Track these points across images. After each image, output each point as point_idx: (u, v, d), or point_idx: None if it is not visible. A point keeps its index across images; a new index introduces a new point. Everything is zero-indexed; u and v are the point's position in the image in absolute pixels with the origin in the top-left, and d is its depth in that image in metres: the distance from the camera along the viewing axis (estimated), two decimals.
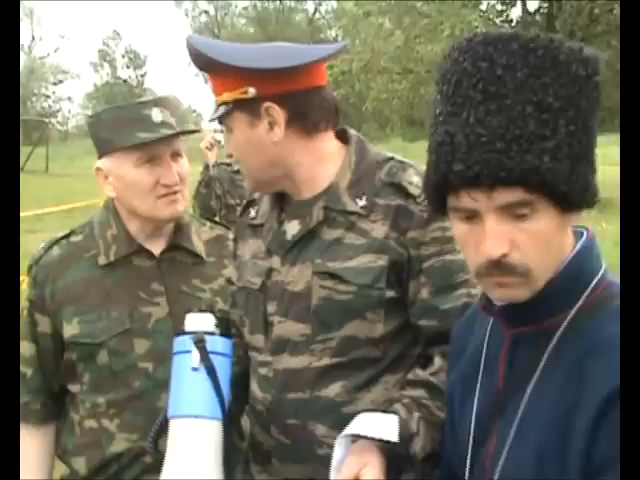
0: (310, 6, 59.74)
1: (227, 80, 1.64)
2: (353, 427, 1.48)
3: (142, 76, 67.31)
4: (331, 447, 1.55)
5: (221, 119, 1.70)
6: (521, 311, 1.15)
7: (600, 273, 1.16)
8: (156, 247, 2.03)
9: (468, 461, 1.24)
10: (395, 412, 1.51)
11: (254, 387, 1.75)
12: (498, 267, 1.08)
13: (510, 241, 1.07)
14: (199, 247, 2.08)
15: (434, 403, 1.55)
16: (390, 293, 1.61)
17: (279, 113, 1.63)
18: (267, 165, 1.68)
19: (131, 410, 1.93)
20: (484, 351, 1.26)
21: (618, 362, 1.03)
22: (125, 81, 66.02)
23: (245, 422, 1.89)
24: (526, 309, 1.14)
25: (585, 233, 1.19)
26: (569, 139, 1.05)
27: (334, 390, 1.63)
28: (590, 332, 1.10)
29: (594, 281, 1.14)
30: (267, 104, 1.62)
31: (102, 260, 1.99)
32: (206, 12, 63.70)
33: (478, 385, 1.25)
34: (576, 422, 1.07)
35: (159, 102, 1.96)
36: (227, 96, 1.64)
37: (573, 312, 1.13)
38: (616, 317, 1.08)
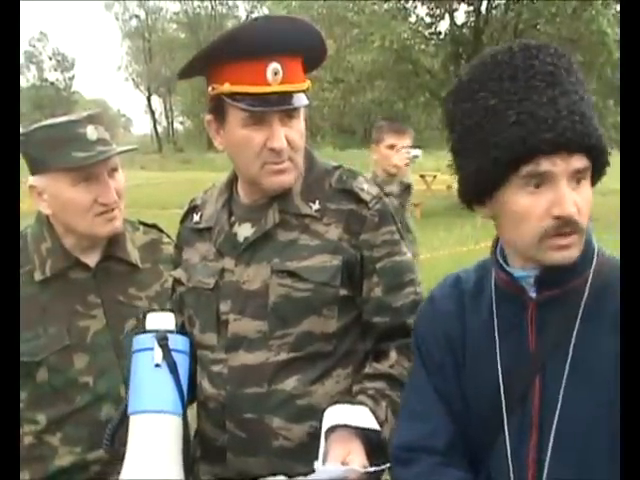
0: (242, 12, 59.65)
1: (301, 69, 1.71)
2: (335, 418, 1.59)
3: (70, 79, 66.03)
4: (286, 438, 1.68)
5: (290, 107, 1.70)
6: (554, 275, 1.33)
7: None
8: (91, 259, 2.01)
9: (505, 417, 1.36)
10: (362, 403, 1.63)
11: (205, 385, 1.77)
12: (569, 225, 1.27)
13: (575, 203, 1.27)
14: (134, 255, 2.07)
15: (395, 393, 1.65)
16: (343, 291, 1.70)
17: None
18: None
19: (73, 423, 1.92)
20: (495, 324, 1.40)
21: None
22: (52, 84, 64.61)
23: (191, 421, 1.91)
24: (558, 273, 1.32)
25: None
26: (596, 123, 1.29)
27: (290, 384, 1.69)
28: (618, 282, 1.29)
29: (596, 245, 1.37)
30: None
31: (38, 276, 1.95)
32: (137, 16, 62.93)
33: (498, 354, 1.39)
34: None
35: (93, 119, 1.93)
36: (308, 84, 1.71)
37: (593, 269, 1.35)
38: None
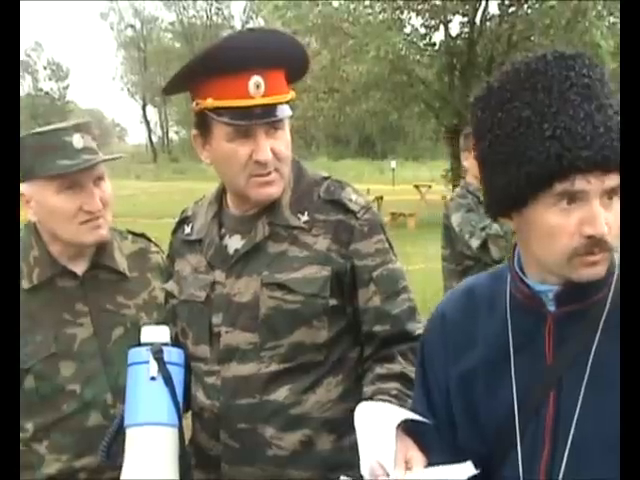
0: (237, 23, 59.81)
1: (284, 81, 1.71)
2: (386, 416, 1.48)
3: (65, 88, 66.08)
4: (279, 447, 1.68)
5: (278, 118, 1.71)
6: (575, 291, 1.30)
7: None
8: (79, 267, 2.00)
9: (517, 430, 1.32)
10: (388, 403, 1.59)
11: (200, 396, 1.79)
12: (598, 245, 1.23)
13: (607, 222, 1.23)
14: (122, 264, 2.06)
15: (410, 393, 1.62)
16: (333, 301, 1.71)
17: None
18: None
19: (60, 431, 1.91)
20: (510, 336, 1.37)
21: None
22: (47, 93, 64.63)
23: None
24: (580, 289, 1.29)
25: None
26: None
27: (282, 394, 1.70)
28: None
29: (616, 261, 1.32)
30: None
31: (26, 284, 1.95)
32: (132, 26, 63.09)
33: (512, 366, 1.36)
34: None
35: (80, 127, 1.93)
36: (292, 95, 1.72)
37: (613, 286, 1.32)
38: None
